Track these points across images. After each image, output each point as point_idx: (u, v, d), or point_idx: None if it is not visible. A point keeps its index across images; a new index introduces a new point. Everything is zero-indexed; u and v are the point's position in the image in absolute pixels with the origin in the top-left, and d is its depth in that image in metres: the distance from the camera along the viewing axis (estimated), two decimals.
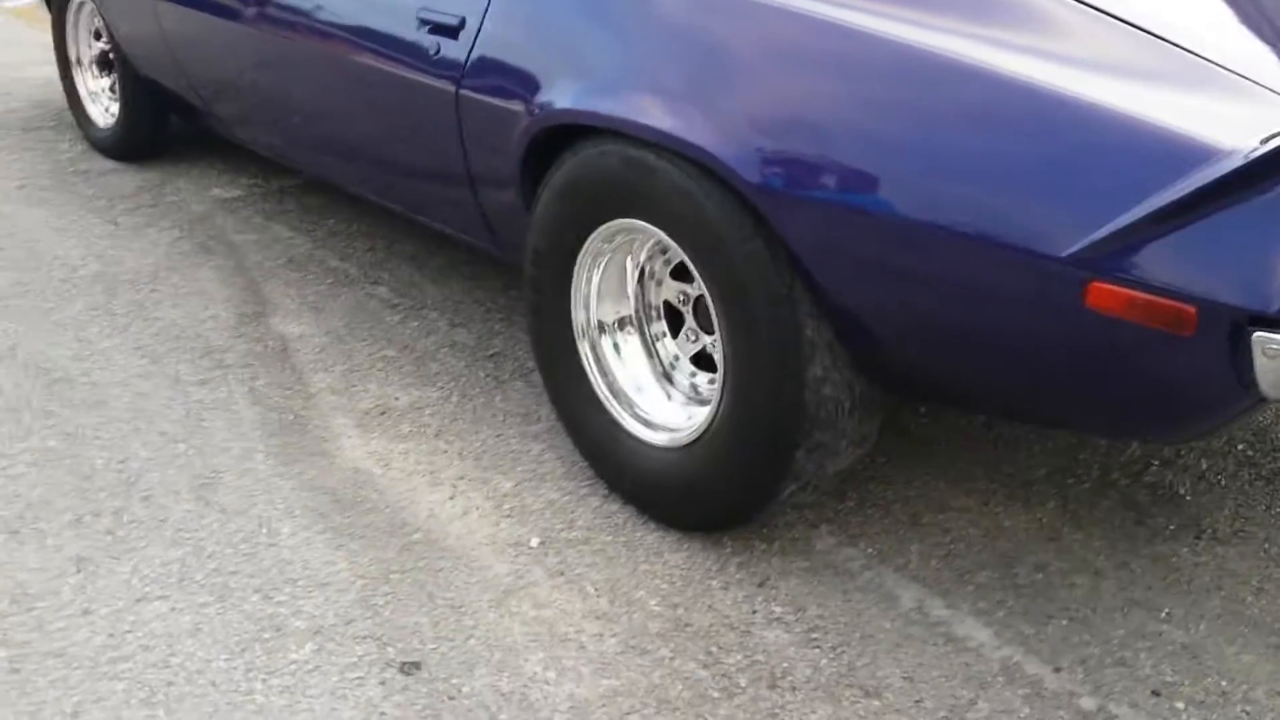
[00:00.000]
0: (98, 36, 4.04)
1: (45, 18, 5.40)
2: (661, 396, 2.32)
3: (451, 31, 2.44)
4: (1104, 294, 1.58)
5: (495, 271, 3.30)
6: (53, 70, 4.93)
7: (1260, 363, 1.51)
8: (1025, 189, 1.66)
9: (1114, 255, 1.56)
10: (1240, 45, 1.80)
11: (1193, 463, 2.46)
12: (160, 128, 3.95)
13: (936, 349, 1.88)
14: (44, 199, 3.76)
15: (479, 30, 2.39)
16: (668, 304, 2.33)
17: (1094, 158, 1.60)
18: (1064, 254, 1.60)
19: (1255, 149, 1.48)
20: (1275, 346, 1.50)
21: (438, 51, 2.46)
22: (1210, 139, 1.52)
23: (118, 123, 3.98)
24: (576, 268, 2.31)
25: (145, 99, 3.82)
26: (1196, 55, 1.68)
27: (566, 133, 2.23)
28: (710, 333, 2.24)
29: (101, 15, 3.76)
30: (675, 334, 2.34)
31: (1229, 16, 1.96)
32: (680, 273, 2.26)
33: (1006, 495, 2.36)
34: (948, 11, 1.82)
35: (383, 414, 2.66)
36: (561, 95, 2.20)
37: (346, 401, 2.70)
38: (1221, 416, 1.75)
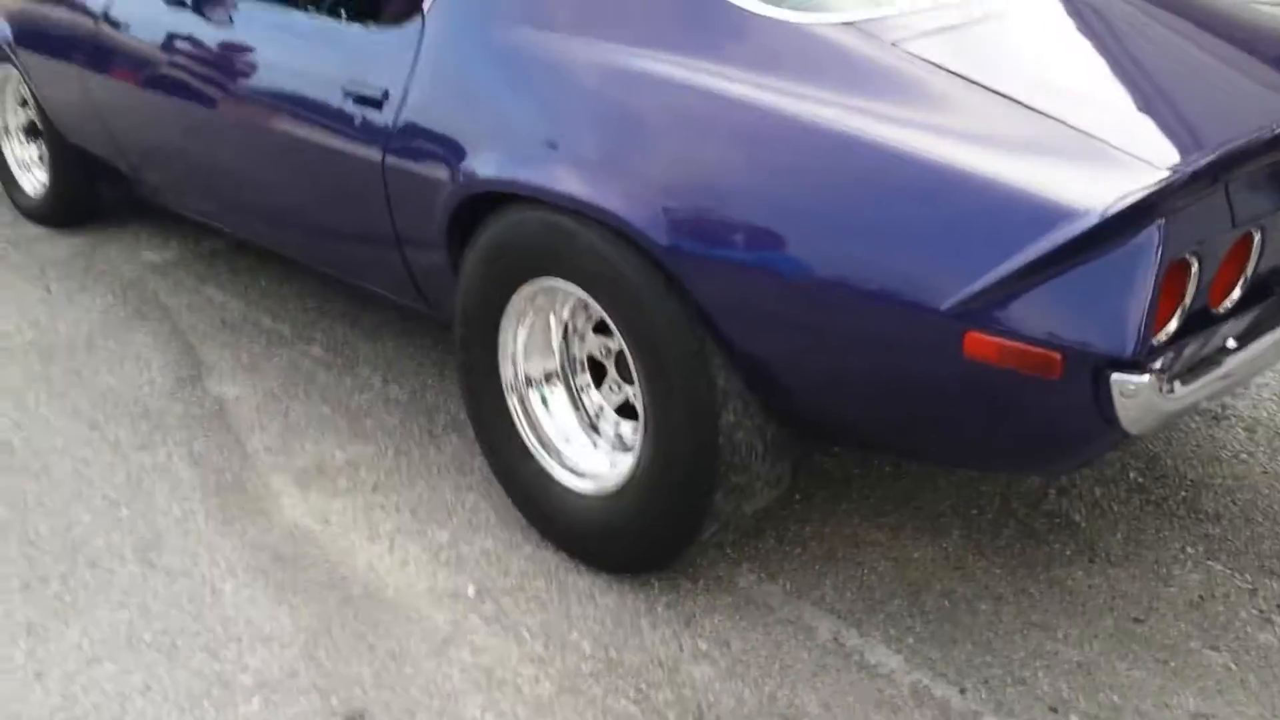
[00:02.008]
0: (24, 104, 4.10)
1: None
2: (588, 445, 2.44)
3: (376, 103, 2.56)
4: (980, 343, 1.74)
5: (426, 328, 3.40)
6: None
7: (1120, 401, 1.67)
8: (908, 248, 1.80)
9: (987, 308, 1.72)
10: (1103, 111, 1.97)
11: (1087, 491, 2.63)
12: (90, 194, 4.01)
13: (837, 396, 2.03)
14: None
15: (402, 102, 2.51)
16: (591, 357, 2.45)
17: (968, 219, 1.76)
18: (943, 307, 1.75)
19: (1107, 209, 1.64)
20: (1132, 386, 1.66)
21: (363, 122, 2.58)
22: (1069, 201, 1.68)
23: (47, 190, 4.03)
24: (503, 325, 2.43)
25: (74, 166, 3.88)
26: (1061, 123, 1.84)
27: (489, 199, 2.36)
28: (632, 383, 2.36)
29: (28, 84, 3.82)
30: (599, 385, 2.47)
31: (1097, 83, 2.14)
32: (602, 327, 2.38)
33: (915, 527, 2.51)
34: (837, 87, 1.98)
35: (320, 471, 2.75)
36: (483, 164, 2.32)
37: (284, 460, 2.79)
38: (1091, 451, 1.92)
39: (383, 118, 2.54)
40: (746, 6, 2.15)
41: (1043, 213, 1.69)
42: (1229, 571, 2.37)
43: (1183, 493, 2.63)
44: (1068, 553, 2.43)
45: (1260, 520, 2.53)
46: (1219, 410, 2.93)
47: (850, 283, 1.86)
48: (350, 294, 3.57)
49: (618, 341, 2.28)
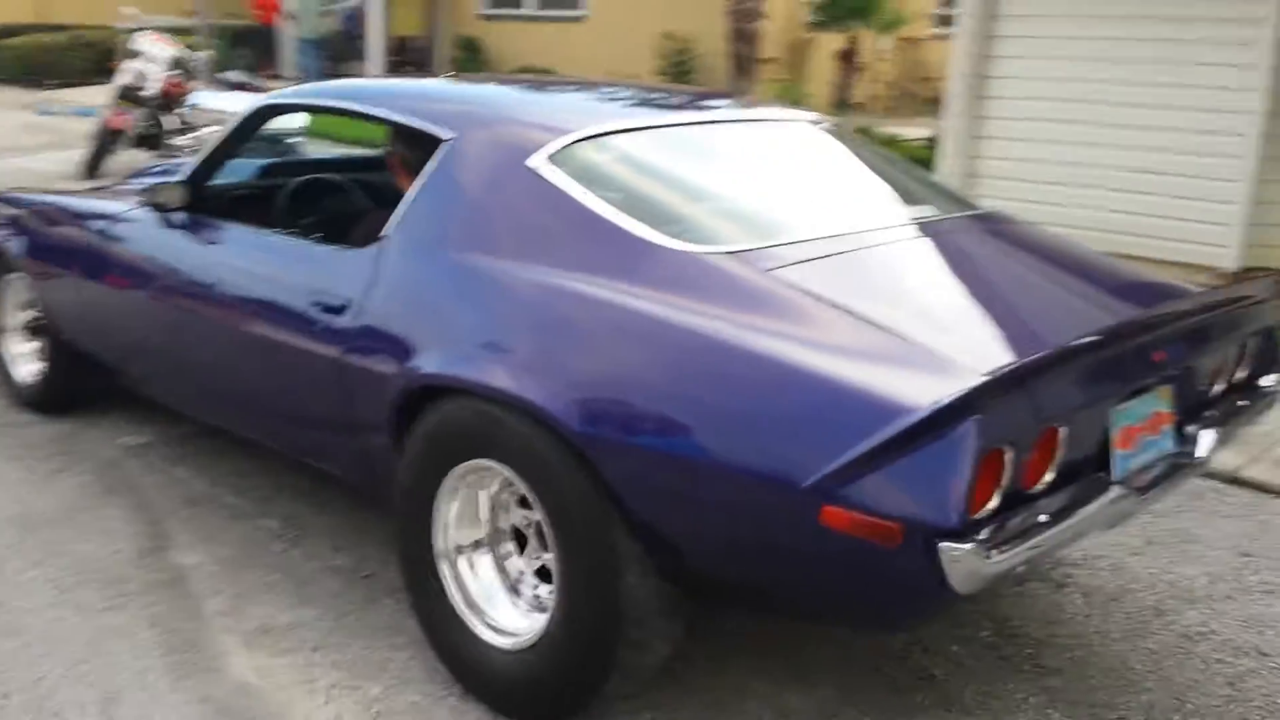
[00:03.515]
0: (25, 306, 4.21)
1: None
2: (509, 606, 2.55)
3: (338, 310, 2.72)
4: (834, 515, 1.89)
5: (371, 504, 3.48)
6: None
7: (948, 565, 1.82)
8: (773, 435, 2.01)
9: (840, 485, 1.89)
10: (939, 326, 2.22)
11: (946, 648, 2.76)
12: (80, 384, 4.11)
13: (716, 559, 2.19)
14: None
15: (361, 309, 2.68)
16: (515, 528, 2.56)
17: (824, 412, 1.96)
18: (804, 484, 1.90)
19: (933, 406, 1.82)
20: (957, 553, 1.81)
21: (326, 326, 2.74)
22: (904, 399, 1.89)
23: (42, 381, 4.13)
24: (437, 500, 2.56)
25: (68, 360, 3.99)
26: (901, 336, 2.07)
27: (429, 392, 2.50)
28: (549, 550, 2.47)
29: (34, 289, 3.96)
30: (521, 552, 2.56)
31: (936, 302, 2.38)
32: (525, 502, 2.51)
33: (794, 679, 2.63)
34: (719, 303, 2.18)
35: (266, 633, 2.81)
36: (426, 362, 2.51)
37: (234, 623, 2.86)
38: (927, 609, 2.07)
39: (343, 322, 2.72)
40: (649, 238, 2.36)
41: (884, 408, 1.89)
42: (1066, 719, 2.47)
43: (1028, 650, 2.77)
44: (928, 703, 2.56)
45: (1094, 674, 2.67)
46: (1062, 578, 3.08)
47: (727, 462, 2.04)
48: (307, 474, 3.67)
49: (538, 513, 2.39)
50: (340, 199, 3.70)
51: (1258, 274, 5.98)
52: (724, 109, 3.28)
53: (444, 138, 2.78)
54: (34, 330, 4.27)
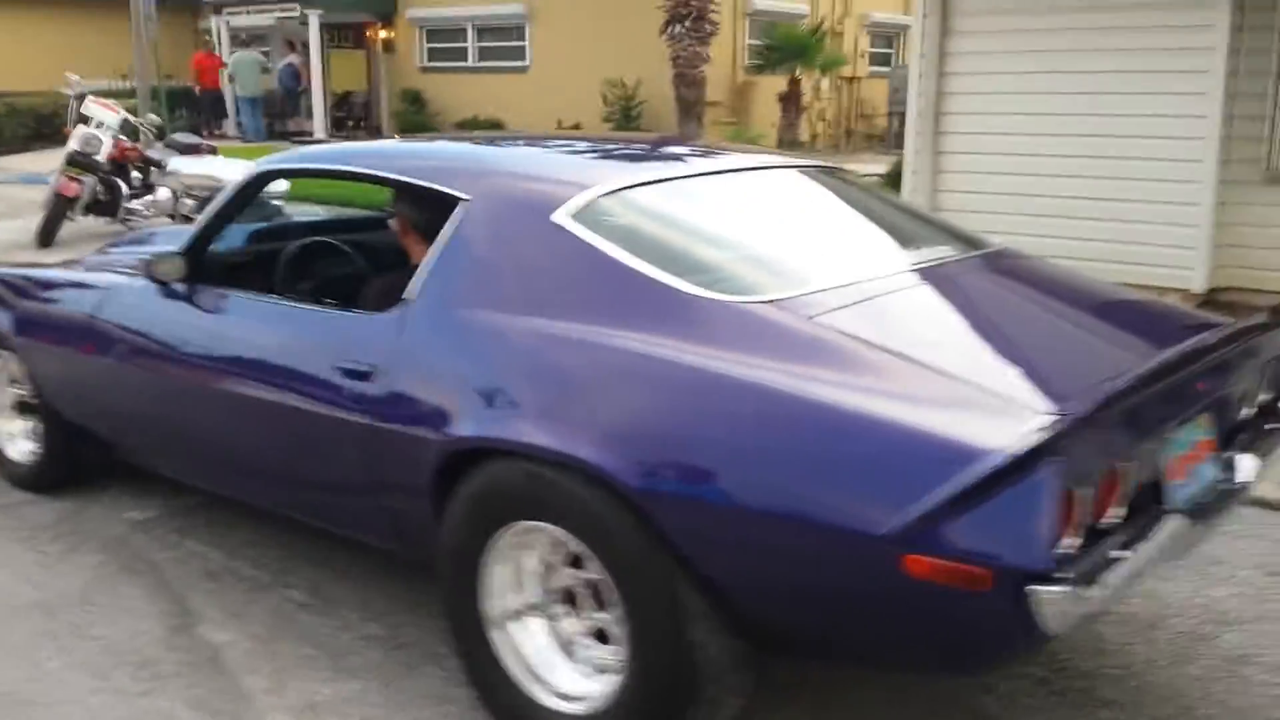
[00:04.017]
0: (12, 383, 4.11)
1: None
2: (569, 670, 2.50)
3: (364, 375, 2.68)
4: (917, 563, 1.89)
5: (393, 568, 3.45)
6: None
7: (1040, 608, 1.82)
8: (848, 485, 2.01)
9: (921, 532, 1.88)
10: (997, 369, 2.21)
11: (997, 686, 2.76)
12: (78, 461, 4.01)
13: (788, 611, 2.19)
14: None
15: (389, 374, 2.64)
16: (566, 589, 2.52)
17: (898, 459, 1.97)
18: (881, 533, 1.90)
19: (1018, 448, 1.84)
20: (1049, 595, 1.82)
21: (352, 391, 2.70)
22: (979, 442, 1.89)
23: (37, 459, 4.02)
24: (484, 565, 2.52)
25: (64, 436, 3.89)
26: (958, 378, 2.08)
27: (471, 454, 2.47)
28: (604, 610, 2.44)
29: (27, 368, 3.86)
30: (575, 613, 2.53)
31: (986, 345, 2.40)
32: (576, 561, 2.47)
33: None
34: (770, 353, 2.18)
35: (312, 709, 2.75)
36: (466, 425, 2.46)
37: (277, 700, 2.79)
38: (1016, 651, 2.07)
39: (370, 388, 2.68)
40: (687, 290, 2.36)
41: (961, 453, 1.91)
42: None
43: (1080, 683, 2.79)
44: None
45: (1149, 703, 2.71)
46: None
47: (796, 513, 2.05)
48: (322, 541, 3.61)
49: (594, 572, 2.36)
50: (340, 262, 3.66)
51: (1228, 292, 6.15)
52: (730, 158, 3.30)
53: (462, 197, 2.77)
54: (23, 408, 4.17)
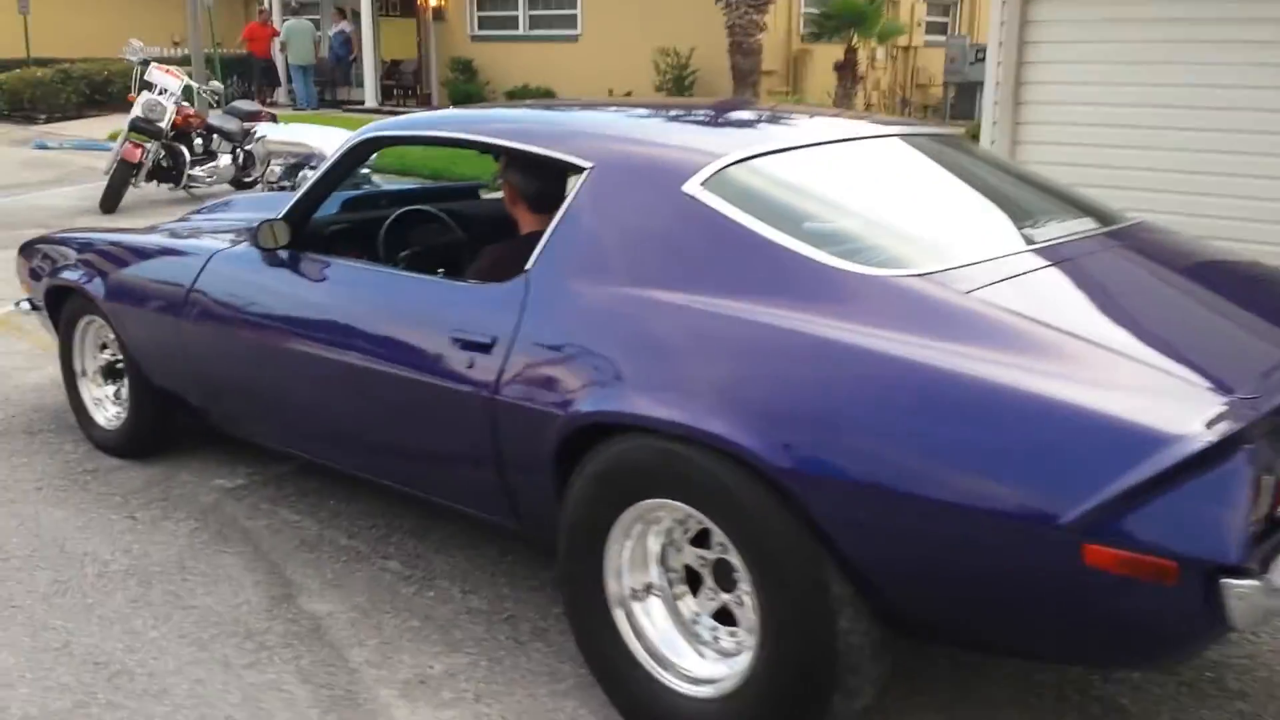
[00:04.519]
0: (103, 349, 4.08)
1: (19, 325, 5.43)
2: (691, 652, 2.42)
3: (484, 348, 2.59)
4: (1099, 554, 1.77)
5: (490, 540, 3.39)
6: (40, 375, 4.95)
7: (1231, 603, 1.71)
8: (1022, 471, 1.90)
9: (1106, 521, 1.77)
10: (1162, 345, 2.10)
11: (1128, 676, 2.64)
12: (165, 427, 3.97)
13: (952, 600, 2.08)
14: (62, 499, 3.74)
15: (511, 346, 2.55)
16: (688, 567, 2.43)
17: (1079, 444, 1.85)
18: (1063, 521, 1.79)
19: (1213, 435, 1.72)
20: (1242, 589, 1.70)
21: (472, 363, 2.61)
22: (1168, 428, 1.78)
23: (125, 424, 3.99)
24: (609, 542, 2.42)
25: (152, 403, 3.85)
26: (1134, 359, 1.96)
27: (598, 429, 2.38)
28: (728, 590, 2.35)
29: (116, 332, 3.82)
30: (695, 593, 2.44)
31: (1148, 321, 2.28)
32: (699, 540, 2.38)
33: (981, 717, 2.48)
34: (927, 330, 2.07)
35: (422, 683, 2.69)
36: (594, 400, 2.37)
37: (387, 674, 2.73)
38: (1199, 645, 1.95)
39: (491, 360, 2.59)
40: (833, 264, 2.25)
41: (1150, 439, 1.80)
42: None
43: (1208, 673, 2.68)
44: None
45: None
46: None
47: (968, 500, 1.93)
48: (416, 511, 3.56)
49: (717, 551, 2.28)
50: (439, 231, 3.57)
51: None
52: (850, 124, 3.16)
53: (584, 166, 2.66)
54: (112, 373, 4.13)
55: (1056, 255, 2.52)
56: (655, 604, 2.48)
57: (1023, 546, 1.88)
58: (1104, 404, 1.86)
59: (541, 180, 3.04)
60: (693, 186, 2.47)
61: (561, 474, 2.51)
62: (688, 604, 2.48)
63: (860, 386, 2.07)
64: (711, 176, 2.50)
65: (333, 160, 3.25)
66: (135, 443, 4.02)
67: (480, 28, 19.78)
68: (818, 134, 2.95)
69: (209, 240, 3.64)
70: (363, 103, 19.76)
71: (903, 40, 16.95)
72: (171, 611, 3.02)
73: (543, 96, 17.33)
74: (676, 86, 15.85)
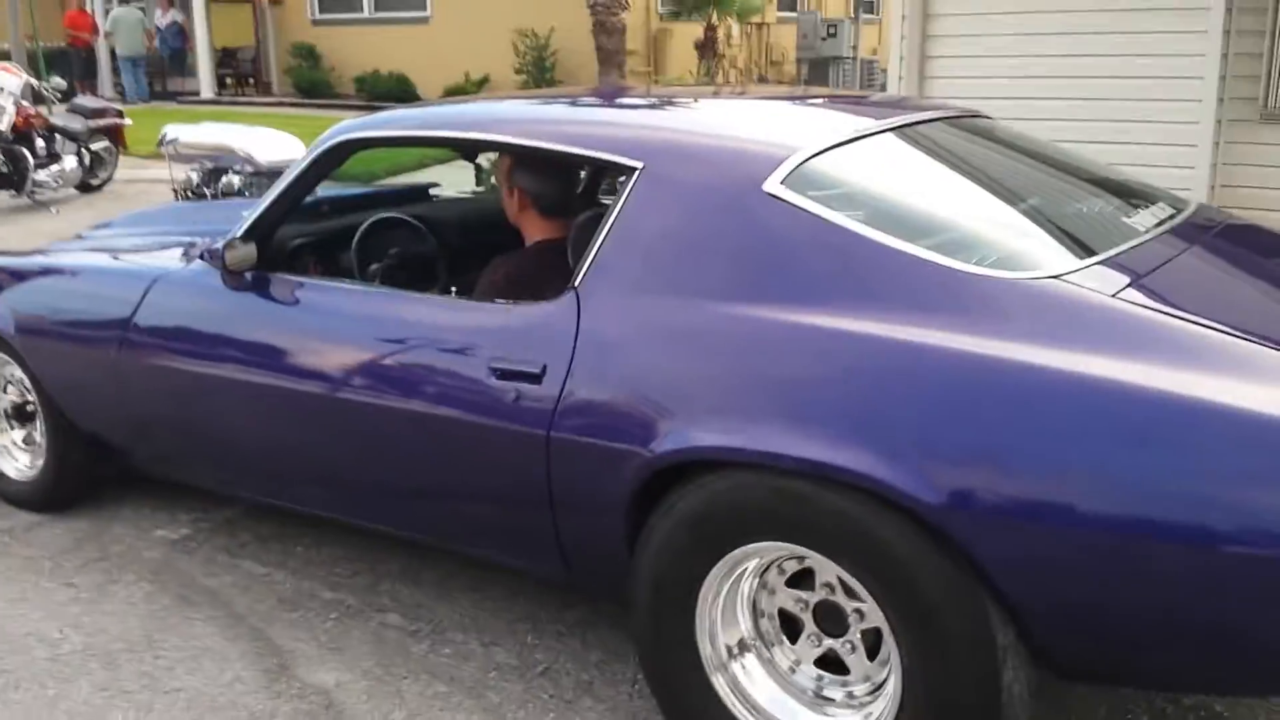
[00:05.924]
0: (8, 386, 3.51)
1: None
2: (809, 713, 2.11)
3: (533, 378, 2.24)
4: None
5: (491, 578, 3.02)
6: None
7: None
8: (1256, 501, 1.65)
9: None
10: None
11: None
12: (91, 475, 3.45)
13: (1135, 639, 1.86)
14: None
15: (567, 376, 2.20)
16: (783, 610, 2.16)
17: None
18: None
19: None
20: None
21: (519, 396, 2.25)
22: None
23: (42, 474, 3.43)
24: (702, 596, 2.12)
25: (79, 450, 3.33)
26: None
27: (685, 466, 2.07)
28: (836, 636, 2.09)
29: (28, 370, 3.27)
30: (793, 641, 2.16)
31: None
32: (795, 581, 2.11)
33: None
34: (1086, 342, 1.83)
35: None
36: (685, 434, 2.06)
37: None
38: None
39: (544, 391, 2.22)
40: (959, 268, 2.00)
41: None
42: None
43: None
44: None
45: None
46: None
47: (1161, 531, 1.69)
48: (401, 553, 3.17)
49: (821, 592, 2.08)
50: (415, 240, 3.15)
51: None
52: (895, 108, 2.86)
53: (631, 165, 2.32)
54: (21, 415, 3.56)
55: (1173, 246, 2.29)
56: (750, 660, 2.19)
57: (1240, 583, 1.66)
58: None
59: (559, 183, 2.68)
60: (774, 185, 2.16)
61: (636, 518, 2.19)
62: (782, 654, 2.19)
63: (1031, 412, 1.80)
64: (791, 173, 2.19)
65: (300, 168, 2.79)
66: (56, 494, 3.47)
67: (322, 10, 18.85)
68: (873, 122, 2.59)
69: (143, 261, 3.14)
70: (198, 93, 18.65)
71: (757, 18, 16.91)
72: (153, 699, 2.55)
73: (395, 82, 16.62)
74: (537, 69, 15.41)
